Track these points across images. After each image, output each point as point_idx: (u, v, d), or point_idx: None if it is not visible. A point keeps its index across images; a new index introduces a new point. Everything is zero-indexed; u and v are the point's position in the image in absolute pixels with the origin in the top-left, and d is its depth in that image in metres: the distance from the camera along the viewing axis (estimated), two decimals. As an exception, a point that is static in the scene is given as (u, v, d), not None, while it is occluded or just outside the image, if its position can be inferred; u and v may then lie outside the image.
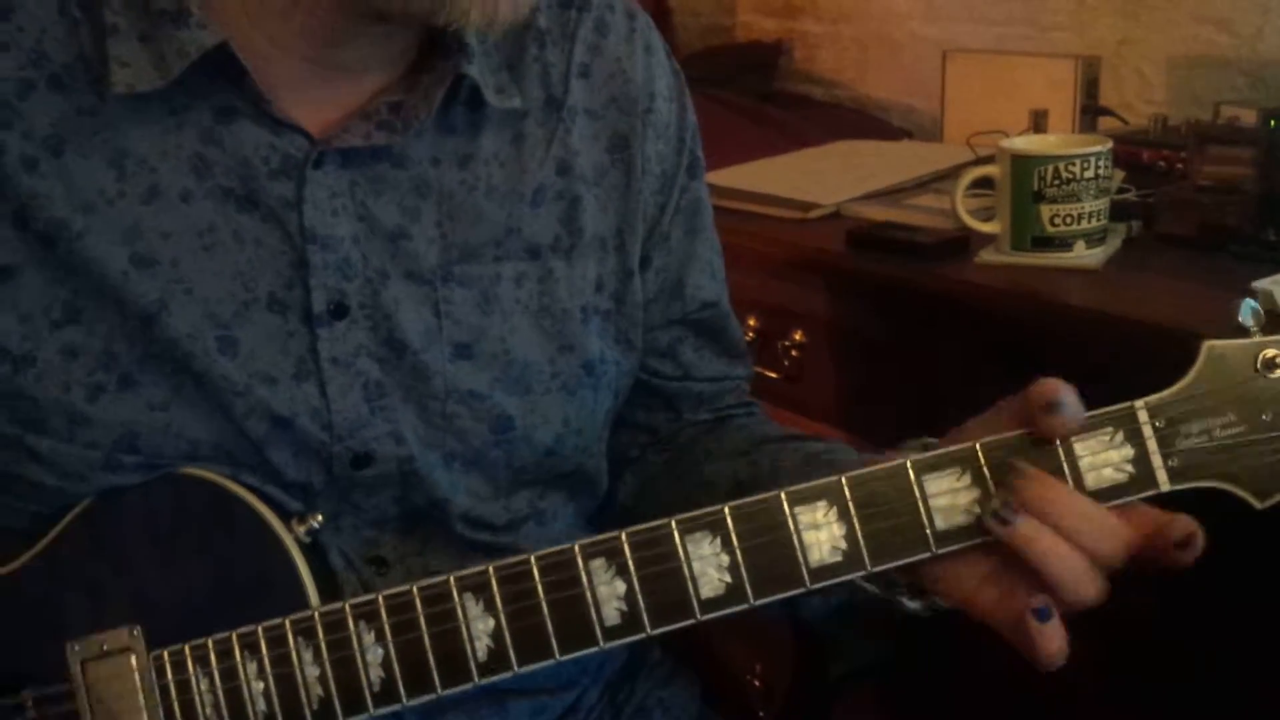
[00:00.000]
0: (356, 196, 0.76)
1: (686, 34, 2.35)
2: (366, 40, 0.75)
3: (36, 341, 0.72)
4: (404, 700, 0.68)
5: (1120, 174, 1.38)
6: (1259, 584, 1.03)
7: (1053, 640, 0.65)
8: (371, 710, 0.69)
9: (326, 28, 0.73)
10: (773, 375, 1.43)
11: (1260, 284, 0.88)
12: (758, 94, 2.10)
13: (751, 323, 1.45)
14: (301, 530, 0.73)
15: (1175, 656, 1.10)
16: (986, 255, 1.28)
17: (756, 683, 1.37)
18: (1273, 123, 1.23)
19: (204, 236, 0.74)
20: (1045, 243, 1.23)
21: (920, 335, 1.30)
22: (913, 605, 0.73)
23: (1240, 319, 0.67)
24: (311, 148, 0.75)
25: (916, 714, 1.39)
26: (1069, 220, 1.22)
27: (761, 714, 1.24)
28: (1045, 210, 1.22)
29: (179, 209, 0.73)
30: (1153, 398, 0.66)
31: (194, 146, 0.74)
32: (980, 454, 0.66)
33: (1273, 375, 0.66)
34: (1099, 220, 1.24)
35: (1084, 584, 0.65)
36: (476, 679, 0.68)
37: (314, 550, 0.74)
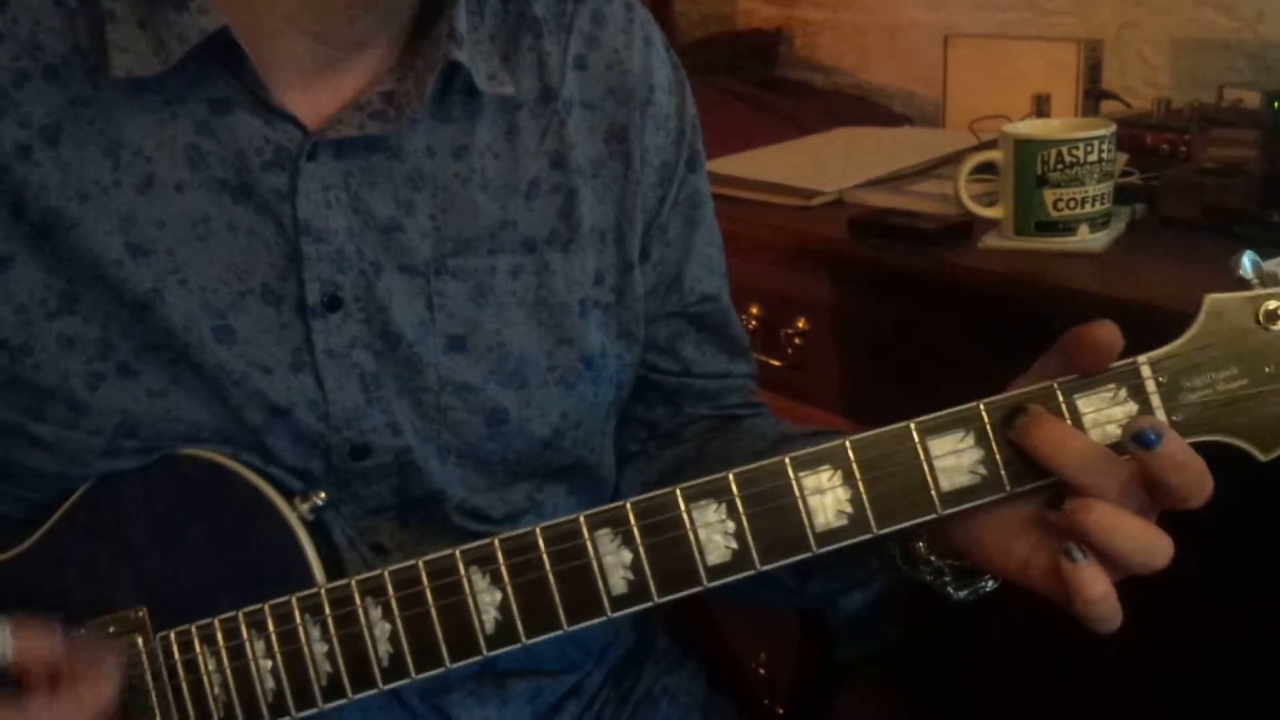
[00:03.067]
0: (350, 188, 0.76)
1: (687, 22, 2.35)
2: (374, 12, 0.75)
3: (32, 332, 0.72)
4: (413, 675, 0.68)
5: (1123, 157, 1.38)
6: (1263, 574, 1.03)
7: (1094, 584, 0.63)
8: (381, 686, 0.69)
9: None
10: (776, 363, 1.43)
11: (1266, 265, 0.88)
12: (758, 82, 2.09)
13: (754, 311, 1.45)
14: (305, 508, 0.73)
15: (1180, 652, 1.10)
16: (990, 240, 1.28)
17: (762, 670, 1.37)
18: (1276, 104, 1.22)
19: (198, 226, 0.74)
20: (1049, 227, 1.23)
21: (923, 321, 1.29)
22: (959, 595, 0.73)
23: (1240, 272, 0.66)
24: (305, 139, 0.74)
25: (922, 700, 1.39)
26: (1072, 204, 1.22)
27: (767, 701, 1.24)
28: (1049, 195, 1.22)
29: (174, 199, 0.73)
30: (1155, 353, 0.66)
31: (189, 137, 0.73)
32: (983, 413, 0.66)
33: (1274, 328, 0.65)
34: (1103, 204, 1.23)
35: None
36: (485, 652, 0.68)
37: (318, 529, 0.74)
